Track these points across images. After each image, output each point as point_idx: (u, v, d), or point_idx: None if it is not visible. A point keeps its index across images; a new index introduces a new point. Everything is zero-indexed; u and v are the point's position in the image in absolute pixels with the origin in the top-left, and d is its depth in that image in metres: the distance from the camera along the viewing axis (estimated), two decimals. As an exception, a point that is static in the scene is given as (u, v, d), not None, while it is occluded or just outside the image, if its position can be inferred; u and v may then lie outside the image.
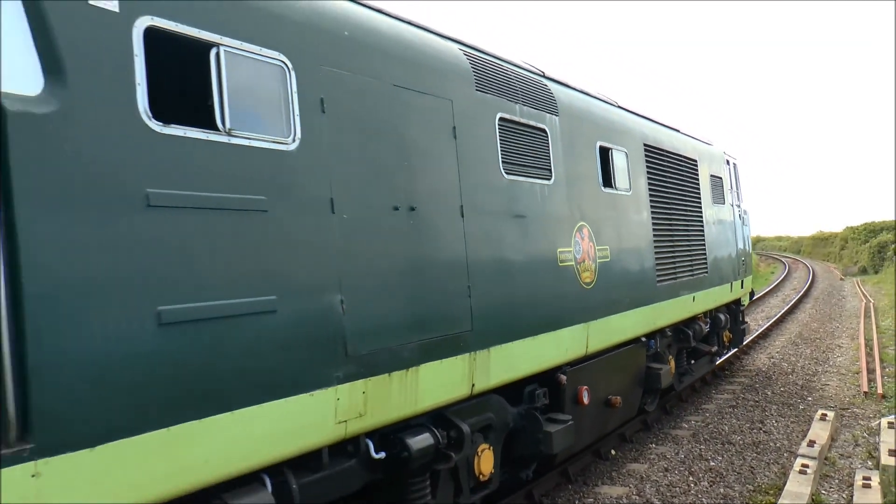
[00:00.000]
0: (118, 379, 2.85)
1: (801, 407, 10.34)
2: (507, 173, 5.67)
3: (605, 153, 7.49)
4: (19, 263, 2.59)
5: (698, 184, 10.34)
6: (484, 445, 5.29)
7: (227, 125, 3.42)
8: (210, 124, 3.38)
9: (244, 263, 3.41)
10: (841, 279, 39.62)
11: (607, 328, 7.03)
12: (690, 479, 7.42)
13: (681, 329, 9.77)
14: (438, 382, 4.68)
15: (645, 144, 8.56)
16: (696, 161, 10.36)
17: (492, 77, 5.74)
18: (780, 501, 6.36)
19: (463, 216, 5.07)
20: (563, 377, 6.33)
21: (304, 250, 3.75)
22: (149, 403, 2.95)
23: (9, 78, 2.66)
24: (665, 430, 9.31)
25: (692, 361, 10.75)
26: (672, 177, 9.36)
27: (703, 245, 10.27)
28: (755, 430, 9.17)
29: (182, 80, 3.98)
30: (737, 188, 12.89)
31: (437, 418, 4.82)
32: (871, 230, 50.55)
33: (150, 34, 3.15)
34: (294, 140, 3.77)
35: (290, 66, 3.80)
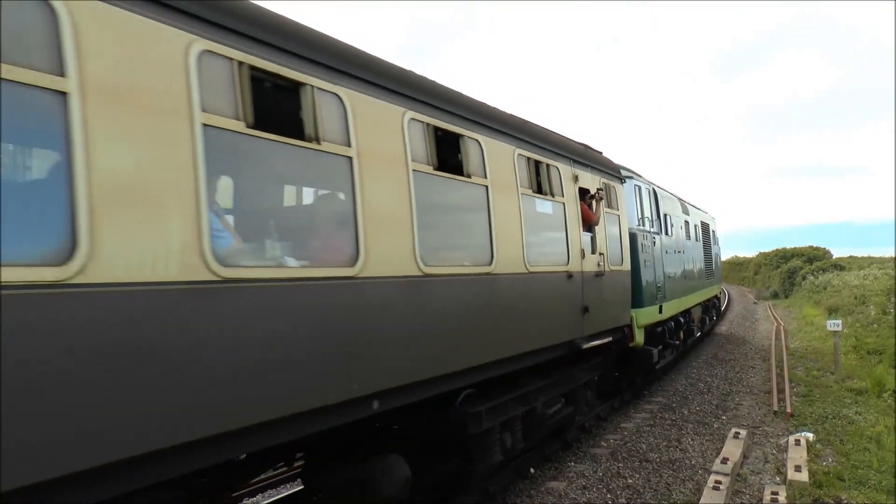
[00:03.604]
0: (667, 291, 13.52)
1: (715, 425, 10.80)
2: (685, 239, 17.00)
3: (693, 226, 18.62)
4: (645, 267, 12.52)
5: (710, 235, 22.36)
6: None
7: (671, 234, 15.21)
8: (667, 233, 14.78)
9: (680, 267, 15.86)
10: (754, 302, 41.69)
11: (701, 294, 18.81)
12: (608, 496, 7.62)
13: (706, 303, 21.05)
14: (679, 306, 14.96)
15: (701, 220, 20.46)
16: (709, 224, 22.48)
17: (686, 205, 18.11)
18: (694, 516, 6.62)
19: (684, 252, 16.47)
20: (692, 310, 17.25)
21: (685, 265, 16.66)
22: (668, 294, 13.66)
23: (633, 224, 12.14)
24: (584, 449, 9.53)
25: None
26: (705, 234, 21.04)
27: (713, 264, 22.66)
28: (672, 448, 9.51)
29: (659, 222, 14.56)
30: (716, 234, 25.01)
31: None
32: (783, 256, 53.61)
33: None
34: (670, 235, 14.94)
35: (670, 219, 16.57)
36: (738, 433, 9.68)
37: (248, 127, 3.94)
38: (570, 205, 8.31)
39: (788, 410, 11.39)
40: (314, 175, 5.17)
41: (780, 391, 13.00)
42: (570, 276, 8.10)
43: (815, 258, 49.40)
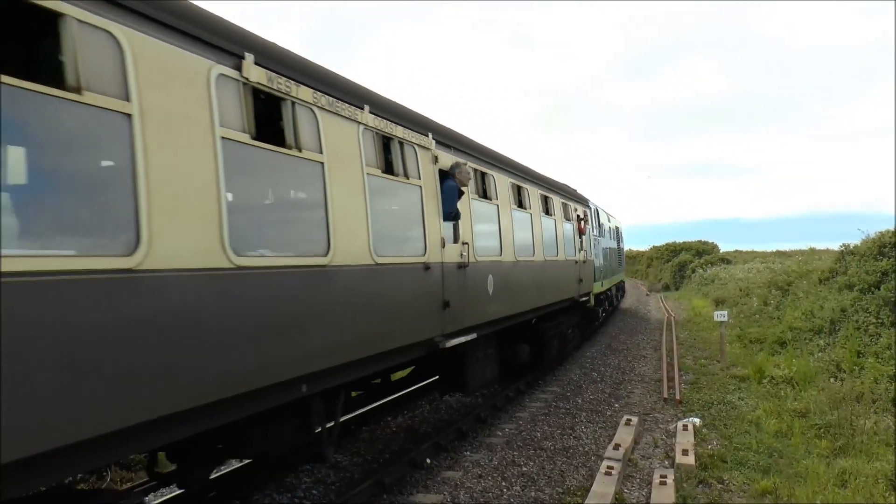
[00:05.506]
0: (604, 273, 21.83)
1: (608, 413, 11.20)
2: (610, 239, 25.25)
3: (613, 230, 27.00)
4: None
5: (619, 235, 30.80)
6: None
7: (604, 237, 23.65)
8: (603, 236, 23.28)
9: (608, 258, 24.04)
10: (647, 294, 43.55)
11: (616, 278, 28.18)
12: (503, 484, 7.76)
13: (618, 285, 30.08)
14: (609, 283, 23.57)
15: (616, 226, 29.25)
16: (619, 227, 30.70)
17: (609, 215, 26.23)
18: (586, 502, 6.85)
19: (609, 249, 24.36)
20: (612, 288, 25.54)
21: (609, 257, 24.58)
22: (605, 276, 21.87)
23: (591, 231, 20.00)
24: (480, 439, 9.66)
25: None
26: (617, 235, 29.55)
27: (622, 257, 32.72)
28: (566, 436, 9.79)
29: None
30: (622, 234, 32.94)
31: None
32: (673, 250, 56.22)
33: None
34: (604, 237, 23.16)
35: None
36: (630, 420, 10.08)
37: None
38: (574, 224, 15.87)
39: (678, 398, 11.98)
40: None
41: (670, 379, 13.66)
42: (575, 262, 15.55)
43: (703, 252, 52.00)
